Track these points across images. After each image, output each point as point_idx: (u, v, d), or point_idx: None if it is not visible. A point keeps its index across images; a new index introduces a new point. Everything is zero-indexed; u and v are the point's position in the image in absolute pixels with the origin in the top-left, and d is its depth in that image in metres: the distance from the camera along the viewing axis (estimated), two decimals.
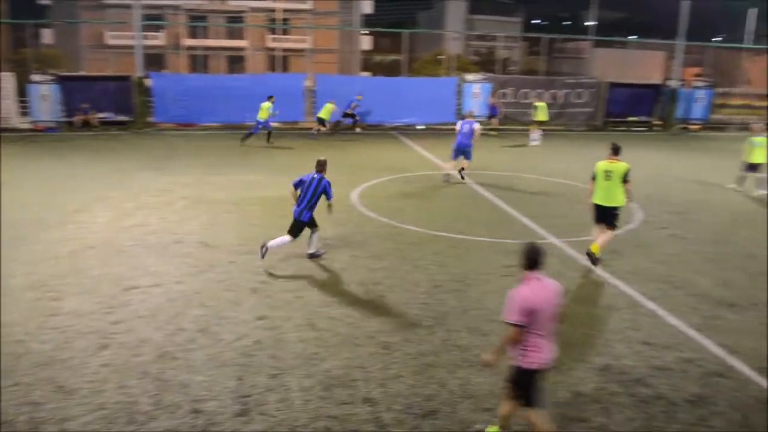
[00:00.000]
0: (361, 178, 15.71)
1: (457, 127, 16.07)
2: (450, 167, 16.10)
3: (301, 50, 44.24)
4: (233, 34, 50.31)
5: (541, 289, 4.94)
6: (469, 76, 26.96)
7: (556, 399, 6.05)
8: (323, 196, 9.58)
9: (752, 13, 34.63)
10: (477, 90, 26.20)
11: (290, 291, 8.49)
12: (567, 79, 29.34)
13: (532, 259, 5.05)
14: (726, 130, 30.00)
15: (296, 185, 9.63)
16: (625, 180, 9.71)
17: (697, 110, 29.56)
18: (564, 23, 74.23)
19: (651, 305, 8.47)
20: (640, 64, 33.27)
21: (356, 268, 9.47)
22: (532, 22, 70.97)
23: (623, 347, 7.20)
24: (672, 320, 8.00)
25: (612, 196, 9.79)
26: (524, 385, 5.01)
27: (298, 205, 9.59)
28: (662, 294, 8.89)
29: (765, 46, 38.56)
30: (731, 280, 9.60)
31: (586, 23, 42.35)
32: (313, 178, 9.54)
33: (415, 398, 5.98)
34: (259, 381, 6.19)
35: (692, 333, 7.66)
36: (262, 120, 21.47)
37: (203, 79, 26.51)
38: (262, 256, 9.51)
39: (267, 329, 7.32)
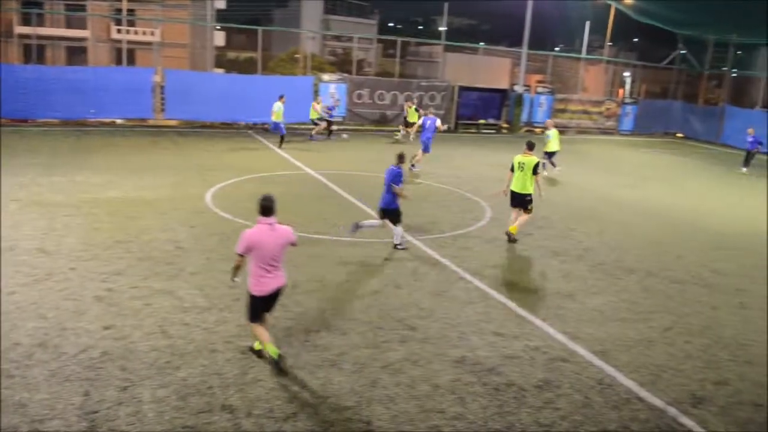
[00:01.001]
0: (215, 179, 15.22)
1: (420, 122, 18.93)
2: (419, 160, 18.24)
3: (149, 43, 42.06)
4: (73, 23, 46.81)
5: (267, 232, 6.23)
6: (326, 76, 27.02)
7: (416, 393, 6.19)
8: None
9: (588, 26, 37.58)
10: (333, 90, 26.30)
11: (139, 298, 8.02)
12: (421, 81, 30.22)
13: (264, 206, 6.28)
14: (566, 133, 32.27)
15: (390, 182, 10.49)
16: (535, 172, 11.30)
17: (540, 114, 31.64)
18: (418, 27, 76.62)
19: (501, 297, 8.92)
20: (489, 69, 35.00)
21: (211, 271, 9.13)
22: (388, 24, 72.59)
23: (477, 339, 7.52)
24: (520, 311, 8.48)
25: (524, 184, 11.42)
26: (251, 306, 6.44)
27: (386, 197, 10.51)
28: (511, 287, 9.40)
29: (598, 57, 42.05)
30: (571, 272, 10.34)
31: (439, 28, 43.92)
32: (390, 170, 10.45)
33: (275, 401, 5.87)
34: (108, 395, 5.79)
35: (539, 322, 8.16)
36: (278, 121, 21.18)
37: (39, 71, 24.28)
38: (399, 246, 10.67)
39: (115, 339, 6.86)
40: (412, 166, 17.72)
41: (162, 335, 7.03)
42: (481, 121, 30.25)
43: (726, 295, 9.86)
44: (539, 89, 32.38)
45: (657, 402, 6.42)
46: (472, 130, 29.96)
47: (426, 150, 18.28)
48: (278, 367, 6.36)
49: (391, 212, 10.54)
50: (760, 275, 11.07)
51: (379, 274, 9.49)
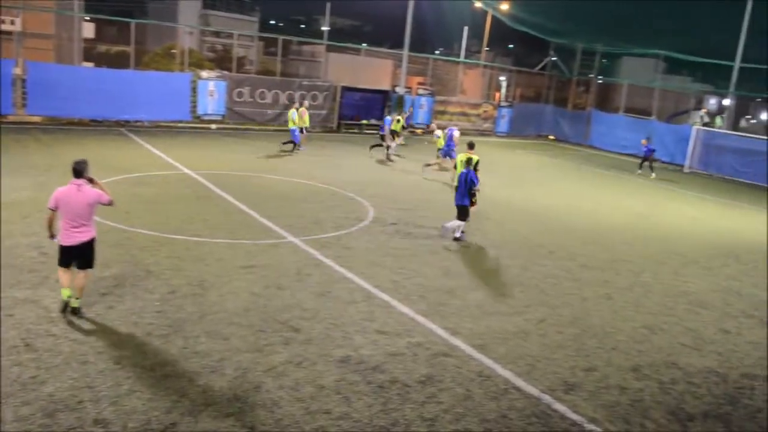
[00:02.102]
0: None
1: (444, 132, 20.18)
2: (434, 163, 19.99)
3: (9, 33, 39.00)
4: None
5: (74, 191, 7.16)
6: (204, 73, 26.19)
7: (300, 395, 6.12)
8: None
9: (466, 31, 38.89)
10: (212, 88, 25.55)
11: None
12: (303, 81, 30.02)
13: (74, 169, 7.22)
14: None
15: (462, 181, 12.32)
16: (475, 168, 12.79)
17: (421, 115, 32.34)
18: (300, 26, 76.07)
19: (384, 296, 9.01)
20: (371, 70, 35.32)
21: (80, 278, 8.58)
22: (269, 22, 71.50)
23: (360, 338, 7.55)
24: (403, 309, 8.61)
25: None
26: (59, 254, 7.37)
27: (459, 195, 12.24)
28: (394, 285, 9.52)
29: (476, 61, 43.58)
30: (451, 269, 10.63)
31: (322, 28, 43.85)
32: (463, 173, 12.30)
33: (153, 413, 5.61)
34: None
35: (421, 319, 8.32)
36: (293, 128, 21.57)
37: None
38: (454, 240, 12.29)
39: None
40: (427, 165, 19.78)
41: (26, 348, 6.52)
42: (364, 122, 30.50)
43: (594, 287, 10.51)
44: (420, 91, 33.08)
45: (532, 390, 6.73)
46: (355, 131, 30.12)
47: (450, 156, 19.09)
48: (65, 307, 7.35)
49: (461, 208, 12.21)
50: (624, 268, 11.89)
51: (262, 276, 9.31)
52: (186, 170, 16.58)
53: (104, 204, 7.43)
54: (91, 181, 7.33)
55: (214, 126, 25.78)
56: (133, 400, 5.77)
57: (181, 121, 25.19)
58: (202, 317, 7.71)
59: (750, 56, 28.89)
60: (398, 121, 24.02)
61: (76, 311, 7.38)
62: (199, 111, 25.41)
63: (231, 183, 15.47)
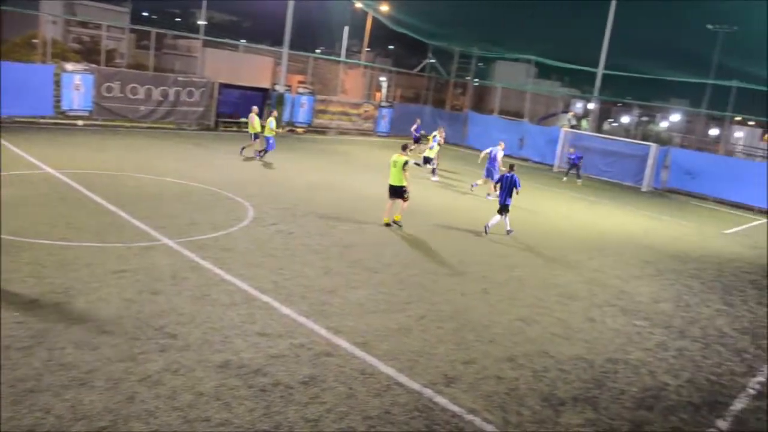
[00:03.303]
0: None
1: (487, 151, 20.57)
2: (481, 182, 20.47)
3: None
4: None
5: None
6: (69, 66, 24.53)
7: (178, 404, 5.87)
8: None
9: (347, 31, 39.00)
10: (78, 81, 23.99)
11: None
12: (178, 76, 28.86)
13: None
14: (326, 134, 33.22)
15: (498, 181, 14.87)
16: (404, 168, 13.68)
17: (302, 114, 32.10)
18: (175, 20, 73.19)
19: (265, 298, 8.85)
20: (250, 67, 34.47)
21: None
22: (142, 14, 68.24)
23: (241, 341, 7.36)
24: (284, 310, 8.49)
25: (397, 178, 13.81)
26: None
27: (501, 195, 14.40)
28: (274, 286, 9.36)
29: (357, 61, 43.83)
30: (332, 269, 10.61)
31: (198, 22, 42.43)
32: (506, 176, 14.44)
33: None
34: None
35: (302, 320, 8.24)
36: (269, 136, 21.42)
37: None
38: (486, 232, 14.37)
39: None
40: (488, 195, 19.41)
41: None
42: (243, 120, 29.81)
43: (472, 283, 10.86)
44: (300, 90, 32.81)
45: (414, 385, 6.84)
46: (233, 129, 29.42)
47: (490, 177, 19.51)
48: None
49: (506, 207, 14.32)
50: (500, 263, 12.39)
51: (134, 281, 8.85)
52: (49, 169, 15.46)
53: None
54: None
55: (80, 122, 24.25)
56: None
57: (43, 117, 23.45)
58: (69, 327, 7.21)
59: (611, 64, 31.23)
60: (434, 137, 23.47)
61: None
62: (64, 106, 23.77)
63: (99, 183, 14.59)
